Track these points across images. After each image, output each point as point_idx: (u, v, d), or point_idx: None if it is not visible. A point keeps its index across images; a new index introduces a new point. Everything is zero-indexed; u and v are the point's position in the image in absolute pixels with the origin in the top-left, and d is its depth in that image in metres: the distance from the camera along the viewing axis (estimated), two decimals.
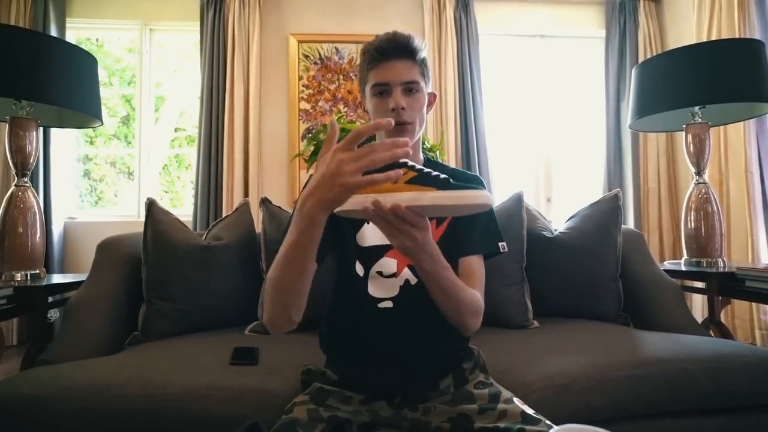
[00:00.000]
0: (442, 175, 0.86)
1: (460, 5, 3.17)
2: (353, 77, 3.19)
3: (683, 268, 1.65)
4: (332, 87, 3.19)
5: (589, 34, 3.41)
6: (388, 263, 0.84)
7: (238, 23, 3.05)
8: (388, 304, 0.83)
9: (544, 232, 1.50)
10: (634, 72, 1.83)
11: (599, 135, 3.31)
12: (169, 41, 3.33)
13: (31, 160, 1.55)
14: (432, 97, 0.91)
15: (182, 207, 3.32)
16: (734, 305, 2.52)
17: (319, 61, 3.19)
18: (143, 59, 3.21)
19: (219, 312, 1.42)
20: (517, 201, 1.47)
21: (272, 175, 3.12)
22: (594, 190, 3.30)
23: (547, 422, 0.71)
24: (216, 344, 1.19)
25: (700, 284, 1.69)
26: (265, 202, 1.50)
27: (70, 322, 1.26)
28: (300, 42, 3.18)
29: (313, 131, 2.16)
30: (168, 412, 0.90)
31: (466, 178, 0.93)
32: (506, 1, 3.36)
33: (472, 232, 0.86)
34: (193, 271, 1.37)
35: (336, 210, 0.60)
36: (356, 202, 0.60)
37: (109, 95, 3.31)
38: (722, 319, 1.62)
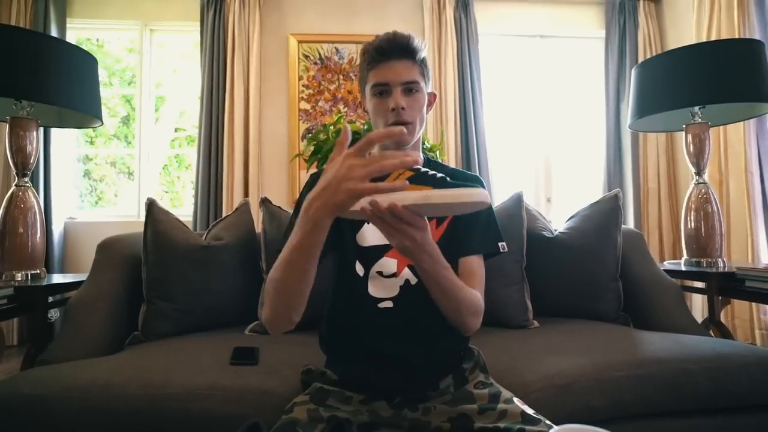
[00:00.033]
0: (439, 174, 0.85)
1: (460, 5, 3.17)
2: (353, 77, 3.19)
3: (683, 268, 1.65)
4: (332, 87, 3.19)
5: (589, 34, 3.41)
6: (388, 263, 0.84)
7: (238, 23, 3.05)
8: (389, 304, 0.83)
9: (544, 232, 1.50)
10: (634, 72, 1.83)
11: (599, 135, 3.31)
12: (169, 41, 3.33)
13: (32, 160, 1.55)
14: (432, 97, 0.92)
15: (182, 207, 3.32)
16: (734, 305, 2.52)
17: (319, 61, 3.19)
18: (143, 59, 3.21)
19: (219, 312, 1.42)
20: (517, 201, 1.47)
21: (272, 175, 3.12)
22: (594, 190, 3.30)
23: (547, 422, 0.71)
24: (216, 344, 1.19)
25: (700, 284, 1.69)
26: (265, 202, 1.50)
27: (71, 322, 1.26)
28: (300, 42, 3.18)
29: (313, 131, 2.16)
30: (168, 412, 0.90)
31: (465, 178, 0.93)
32: (506, 1, 3.36)
33: (472, 232, 0.86)
34: (193, 271, 1.37)
35: None
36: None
37: (109, 95, 3.31)
38: (722, 319, 1.62)
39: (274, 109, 3.16)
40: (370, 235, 0.86)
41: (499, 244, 0.89)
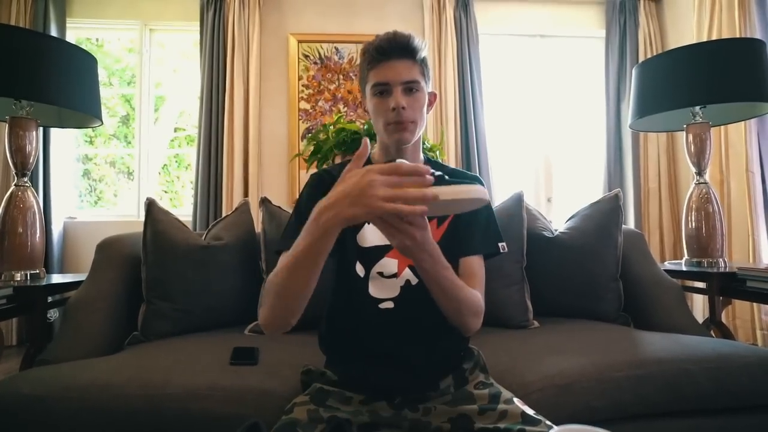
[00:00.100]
0: (438, 172, 0.85)
1: (460, 5, 3.17)
2: (353, 77, 3.19)
3: (684, 269, 1.65)
4: (332, 87, 3.19)
5: (589, 34, 3.41)
6: (388, 263, 0.84)
7: (238, 23, 3.05)
8: (389, 305, 0.83)
9: (544, 232, 1.50)
10: (634, 72, 1.82)
11: (599, 135, 3.31)
12: (169, 41, 3.33)
13: (31, 160, 1.55)
14: (432, 96, 0.91)
15: (182, 207, 3.32)
16: (735, 305, 2.52)
17: (319, 61, 3.19)
18: (143, 59, 3.21)
19: (219, 312, 1.41)
20: (517, 201, 1.46)
21: (272, 175, 3.12)
22: (594, 190, 3.30)
23: (548, 423, 0.71)
24: (216, 344, 1.19)
25: (700, 284, 1.69)
26: (264, 202, 1.50)
27: (70, 322, 1.26)
28: (300, 42, 3.18)
29: (313, 131, 2.15)
30: (168, 412, 0.90)
31: (465, 177, 0.93)
32: (506, 1, 3.35)
33: (473, 232, 0.86)
34: (192, 271, 1.37)
35: None
36: None
37: (108, 95, 3.31)
38: (723, 320, 1.61)
39: (274, 109, 3.16)
40: (371, 236, 0.86)
41: (499, 244, 0.89)
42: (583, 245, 1.45)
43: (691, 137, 1.70)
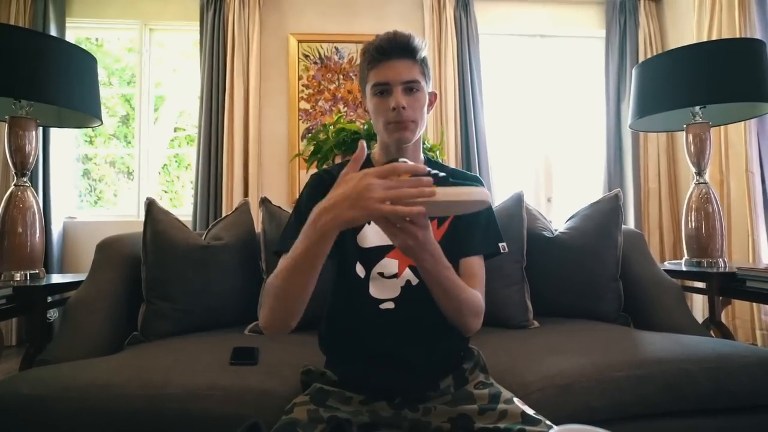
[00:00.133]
0: (441, 173, 0.86)
1: (460, 5, 3.17)
2: (353, 77, 3.19)
3: (684, 269, 1.65)
4: (332, 87, 3.19)
5: (589, 34, 3.41)
6: (389, 264, 0.84)
7: (238, 23, 3.05)
8: (390, 305, 0.83)
9: (544, 232, 1.50)
10: (634, 72, 1.82)
11: (599, 135, 3.31)
12: (169, 41, 3.33)
13: (31, 160, 1.55)
14: (433, 96, 0.91)
15: (182, 207, 3.32)
16: (735, 305, 2.52)
17: (318, 61, 3.19)
18: (143, 59, 3.21)
19: (219, 312, 1.41)
20: (517, 201, 1.46)
21: (272, 175, 3.12)
22: (594, 190, 3.30)
23: (548, 422, 0.71)
24: (216, 344, 1.19)
25: (700, 284, 1.69)
26: (264, 202, 1.50)
27: (70, 322, 1.26)
28: (300, 42, 3.18)
29: (313, 131, 2.15)
30: (168, 412, 0.90)
31: (465, 178, 0.93)
32: (506, 1, 3.35)
33: (473, 232, 0.86)
34: (192, 271, 1.37)
35: None
36: None
37: (108, 95, 3.31)
38: (723, 320, 1.62)
39: (274, 109, 3.16)
40: (371, 236, 0.86)
41: (500, 244, 0.89)
42: (583, 245, 1.45)
43: (690, 137, 1.70)
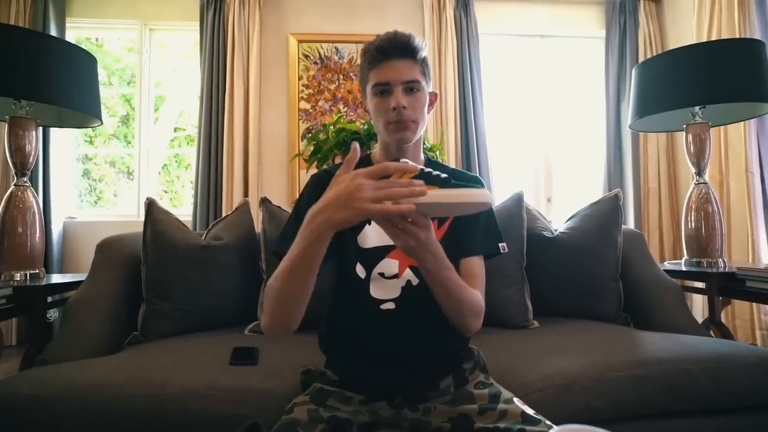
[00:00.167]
0: (443, 174, 0.86)
1: (460, 5, 3.17)
2: (353, 77, 3.19)
3: (683, 269, 1.65)
4: (332, 87, 3.19)
5: (589, 34, 3.41)
6: (389, 264, 0.84)
7: (238, 23, 3.05)
8: (390, 306, 0.83)
9: (544, 232, 1.50)
10: (634, 72, 1.82)
11: (599, 135, 3.31)
12: (169, 41, 3.33)
13: (31, 160, 1.55)
14: (433, 96, 0.91)
15: (182, 207, 3.32)
16: (735, 305, 2.52)
17: (319, 61, 3.19)
18: (143, 59, 3.21)
19: (219, 312, 1.41)
20: (517, 201, 1.46)
21: (272, 175, 3.12)
22: (594, 190, 3.30)
23: (548, 422, 0.71)
24: (216, 344, 1.19)
25: (700, 284, 1.69)
26: (264, 202, 1.49)
27: (70, 322, 1.26)
28: (300, 42, 3.18)
29: (313, 131, 2.15)
30: (168, 412, 0.90)
31: (465, 178, 0.93)
32: (506, 1, 3.36)
33: (473, 233, 0.86)
34: (192, 271, 1.37)
35: None
36: None
37: (108, 95, 3.31)
38: (723, 320, 1.62)
39: (274, 109, 3.16)
40: (372, 237, 0.86)
41: (500, 244, 0.89)
42: (583, 245, 1.45)
43: (690, 137, 1.70)
